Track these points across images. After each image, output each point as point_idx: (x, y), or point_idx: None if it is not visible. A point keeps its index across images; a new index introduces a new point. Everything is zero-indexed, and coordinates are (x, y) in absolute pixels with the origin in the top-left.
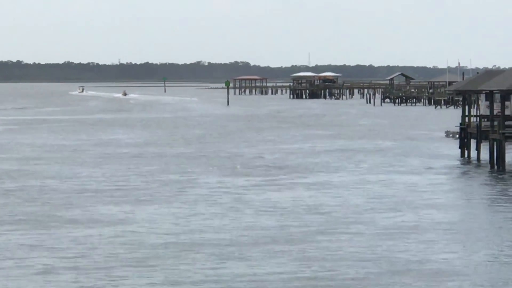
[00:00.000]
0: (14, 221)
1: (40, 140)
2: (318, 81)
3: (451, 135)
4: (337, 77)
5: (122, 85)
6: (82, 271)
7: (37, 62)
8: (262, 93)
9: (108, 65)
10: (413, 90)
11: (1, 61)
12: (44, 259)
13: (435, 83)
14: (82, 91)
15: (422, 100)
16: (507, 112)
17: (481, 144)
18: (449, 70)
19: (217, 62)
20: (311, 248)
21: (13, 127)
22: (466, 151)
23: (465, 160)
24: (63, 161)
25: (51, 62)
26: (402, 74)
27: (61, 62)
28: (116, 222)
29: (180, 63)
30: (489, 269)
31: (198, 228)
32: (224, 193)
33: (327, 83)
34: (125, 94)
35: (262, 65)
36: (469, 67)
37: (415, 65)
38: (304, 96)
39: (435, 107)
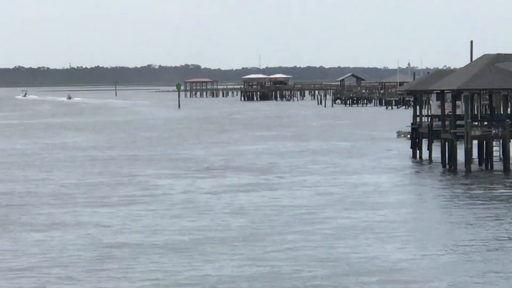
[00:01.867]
0: None
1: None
2: (269, 83)
3: (402, 135)
4: (287, 78)
5: (72, 89)
6: (36, 273)
7: None
8: (213, 96)
9: (59, 69)
10: (364, 91)
11: None
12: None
13: (386, 84)
14: (25, 95)
15: (373, 100)
16: (458, 112)
17: (433, 144)
18: (400, 70)
19: (167, 65)
20: (265, 248)
21: None
22: (418, 151)
23: (417, 160)
24: (14, 165)
25: (1, 67)
26: (353, 75)
27: (11, 67)
28: (68, 225)
29: (130, 67)
30: (440, 265)
31: (152, 228)
32: (176, 194)
33: (278, 85)
34: (69, 98)
35: (212, 67)
36: (419, 67)
37: (365, 66)
38: (255, 98)
39: (386, 108)
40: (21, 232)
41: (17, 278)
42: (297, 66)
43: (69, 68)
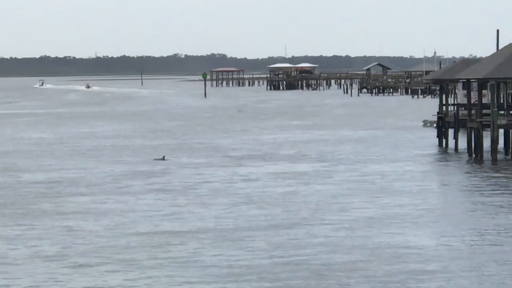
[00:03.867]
0: None
1: (17, 133)
2: (295, 72)
3: (428, 124)
4: (314, 68)
5: (98, 79)
6: (59, 262)
7: (13, 57)
8: (239, 85)
9: (85, 59)
10: (390, 80)
11: None
12: (21, 250)
13: (412, 73)
14: (42, 84)
15: (399, 89)
16: (484, 101)
17: (459, 133)
18: (426, 59)
19: (194, 54)
20: (289, 236)
21: None
22: (444, 140)
23: (443, 149)
24: (42, 154)
25: (28, 56)
26: (379, 64)
27: (37, 56)
28: (97, 214)
29: (157, 56)
30: (466, 254)
31: (180, 217)
32: (203, 182)
33: (304, 74)
34: (88, 87)
35: (239, 57)
36: (445, 56)
37: (391, 55)
38: (281, 87)
39: (412, 97)
40: (55, 220)
41: (52, 266)
42: (323, 55)
43: (95, 57)
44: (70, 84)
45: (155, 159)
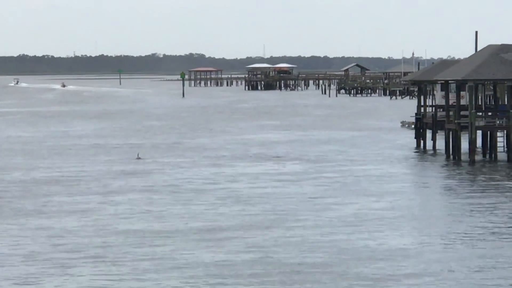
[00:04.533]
0: None
1: None
2: (273, 73)
3: (406, 125)
4: (292, 68)
5: (76, 78)
6: (38, 260)
7: None
8: (217, 85)
9: (63, 58)
10: (368, 81)
11: None
12: (11, 249)
13: (390, 74)
14: (17, 83)
15: (378, 90)
16: (462, 102)
17: (437, 134)
18: (404, 60)
19: (172, 54)
20: (267, 235)
21: None
22: (422, 141)
23: (421, 150)
24: (20, 153)
25: (6, 55)
26: (357, 65)
27: (15, 55)
28: (75, 212)
29: (135, 55)
30: (443, 254)
31: (160, 216)
32: (182, 181)
33: (282, 74)
34: (63, 86)
35: (217, 56)
36: (424, 57)
37: (370, 56)
38: (259, 88)
39: (391, 98)
40: (30, 219)
41: (32, 265)
42: (302, 55)
43: (73, 56)
44: (46, 83)
45: (137, 158)
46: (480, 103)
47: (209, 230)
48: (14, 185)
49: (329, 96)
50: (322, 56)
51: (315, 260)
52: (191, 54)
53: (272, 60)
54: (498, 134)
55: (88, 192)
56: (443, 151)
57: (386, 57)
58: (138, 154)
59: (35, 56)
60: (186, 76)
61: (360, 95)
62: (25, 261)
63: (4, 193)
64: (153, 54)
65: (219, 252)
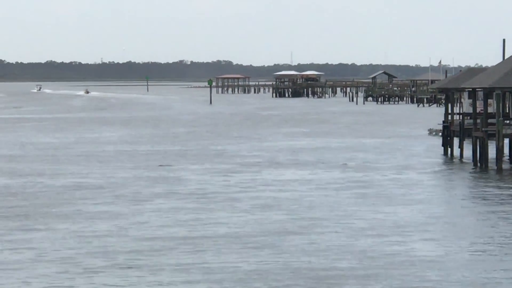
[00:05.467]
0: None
1: (24, 138)
2: (301, 80)
3: (434, 133)
4: (319, 75)
5: (104, 84)
6: (68, 265)
7: (19, 61)
8: (244, 92)
9: (90, 64)
10: (395, 88)
11: None
12: (32, 252)
13: (418, 82)
14: (40, 89)
15: (405, 98)
16: (489, 110)
17: (464, 142)
18: (432, 68)
19: (199, 61)
20: (298, 241)
21: None
22: (449, 149)
23: (448, 158)
24: (47, 159)
25: (34, 61)
26: (385, 73)
27: (43, 61)
28: (103, 219)
29: (162, 62)
30: (470, 264)
31: (185, 223)
32: (209, 188)
33: (309, 82)
34: (87, 92)
35: (244, 63)
36: (451, 65)
37: (397, 63)
38: (287, 95)
39: (418, 105)
40: (58, 224)
41: (59, 267)
42: (329, 63)
43: (100, 63)
44: (69, 89)
45: (160, 165)
46: (507, 111)
47: (237, 236)
48: (42, 191)
49: (357, 103)
50: (349, 63)
51: (342, 268)
52: (218, 61)
53: (299, 67)
54: None
55: (115, 198)
56: (471, 159)
57: (414, 65)
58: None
59: (62, 62)
60: (214, 83)
61: (387, 102)
62: (54, 266)
63: (32, 198)
64: (181, 61)
65: (248, 259)
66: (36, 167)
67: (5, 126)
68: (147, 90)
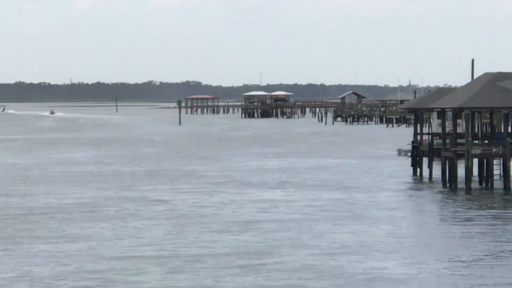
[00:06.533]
0: None
1: None
2: (270, 100)
3: (403, 153)
4: (288, 96)
5: (73, 105)
6: (39, 286)
7: None
8: (214, 112)
9: (60, 85)
10: (364, 108)
11: None
12: (6, 274)
13: (387, 102)
14: (3, 110)
15: (374, 118)
16: (459, 130)
17: (433, 162)
18: (401, 88)
19: (168, 81)
20: (267, 261)
21: None
22: (418, 169)
23: (418, 178)
24: (17, 180)
25: (2, 82)
26: (354, 93)
27: (12, 82)
28: (71, 239)
29: (131, 83)
30: (437, 283)
31: (155, 242)
32: (178, 208)
33: (278, 102)
34: (52, 113)
35: (214, 84)
36: (420, 85)
37: (366, 83)
38: (256, 115)
39: (387, 126)
40: (29, 244)
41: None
42: (298, 83)
43: (70, 83)
44: (34, 110)
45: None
46: (476, 131)
47: (203, 256)
48: (11, 212)
49: (326, 123)
50: (318, 84)
51: (313, 286)
52: (187, 81)
53: (268, 87)
54: (495, 162)
55: (85, 218)
56: (440, 179)
57: (383, 85)
58: None
59: (31, 83)
60: (183, 104)
61: (356, 122)
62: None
63: (1, 219)
64: (150, 82)
65: (220, 278)
66: (5, 188)
67: None
68: (116, 111)
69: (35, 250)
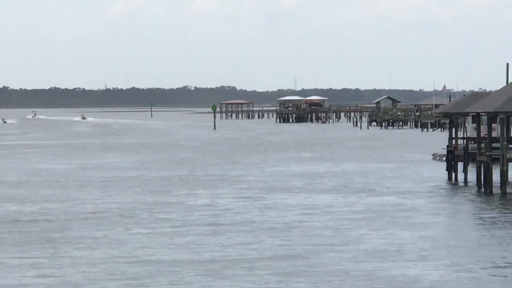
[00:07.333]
0: (3, 243)
1: (27, 165)
2: (305, 105)
3: (438, 158)
4: (323, 100)
5: (108, 111)
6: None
7: (23, 88)
8: (248, 117)
9: (95, 90)
10: (399, 113)
11: None
12: (44, 279)
13: (422, 106)
14: (34, 116)
15: (409, 123)
16: (494, 134)
17: (468, 167)
18: (436, 93)
19: (203, 86)
20: (301, 265)
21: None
22: (453, 174)
23: (452, 182)
24: (52, 185)
25: (37, 88)
26: (389, 97)
27: (47, 87)
28: (107, 244)
29: (166, 88)
30: (473, 285)
31: (191, 247)
32: (214, 213)
33: (313, 107)
34: (83, 118)
35: (248, 89)
36: (455, 90)
37: (401, 88)
38: (290, 120)
39: (422, 130)
40: (64, 248)
41: None
42: (333, 88)
43: (104, 89)
44: (65, 115)
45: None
46: (511, 135)
47: (242, 260)
48: (46, 218)
49: (361, 128)
50: (353, 88)
51: None
52: (222, 86)
53: (303, 92)
54: None
55: (119, 223)
56: (475, 183)
57: (417, 90)
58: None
59: (66, 88)
60: (218, 109)
61: (391, 127)
62: None
63: (39, 225)
64: (185, 87)
65: (255, 282)
66: (42, 193)
67: (10, 152)
68: (151, 116)
69: (71, 254)
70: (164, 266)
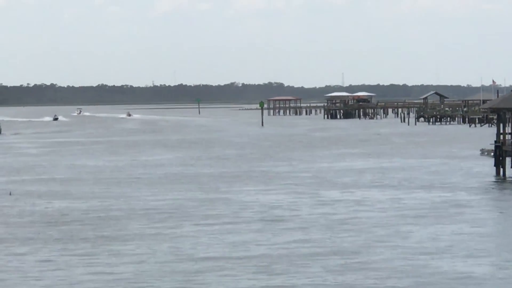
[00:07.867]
0: (54, 240)
1: (77, 161)
2: (352, 101)
3: (486, 153)
4: (371, 96)
5: (156, 107)
6: (125, 285)
7: (70, 85)
8: (296, 114)
9: (142, 88)
10: (447, 108)
11: (35, 84)
12: (95, 276)
13: (469, 102)
14: (80, 113)
15: (457, 118)
16: None
17: None
18: (483, 88)
19: (251, 83)
20: (350, 260)
21: (50, 149)
22: (501, 169)
23: (501, 177)
24: (101, 182)
25: (85, 85)
26: (436, 93)
27: (94, 85)
28: (160, 240)
29: (213, 85)
30: None
31: (239, 243)
32: (263, 209)
33: (361, 103)
34: (129, 115)
35: (296, 85)
36: (503, 85)
37: (449, 83)
38: (338, 116)
39: (470, 126)
40: (114, 245)
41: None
42: (380, 83)
43: (152, 86)
44: (111, 112)
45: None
46: None
47: (291, 256)
48: (95, 215)
49: (408, 124)
50: (401, 84)
51: (396, 286)
52: (270, 83)
53: (351, 88)
54: None
55: (168, 220)
56: None
57: (465, 85)
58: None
59: (114, 86)
60: (265, 105)
61: (439, 123)
62: (104, 286)
63: (84, 222)
64: (232, 83)
65: (306, 277)
66: (90, 191)
67: (58, 149)
68: (199, 113)
69: (121, 251)
70: (214, 262)
